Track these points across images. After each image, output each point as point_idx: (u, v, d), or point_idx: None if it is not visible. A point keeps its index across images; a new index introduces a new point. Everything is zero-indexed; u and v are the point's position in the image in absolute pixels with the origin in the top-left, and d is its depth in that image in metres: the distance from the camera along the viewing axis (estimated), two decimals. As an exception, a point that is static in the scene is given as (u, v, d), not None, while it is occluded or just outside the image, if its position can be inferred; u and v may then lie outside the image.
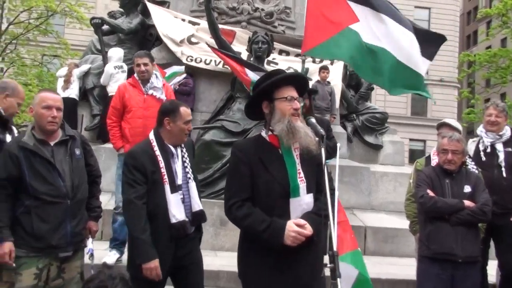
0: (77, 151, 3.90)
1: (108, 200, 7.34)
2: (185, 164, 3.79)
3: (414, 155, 30.99)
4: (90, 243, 4.13)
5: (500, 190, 5.10)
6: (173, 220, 3.61)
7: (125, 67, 8.75)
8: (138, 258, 3.55)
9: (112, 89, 8.59)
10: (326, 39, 5.40)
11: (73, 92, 9.20)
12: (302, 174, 3.04)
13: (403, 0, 35.95)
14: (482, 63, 25.12)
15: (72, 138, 3.90)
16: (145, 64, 5.96)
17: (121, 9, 10.18)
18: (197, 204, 3.76)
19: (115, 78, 8.68)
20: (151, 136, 3.81)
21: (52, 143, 3.75)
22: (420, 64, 5.51)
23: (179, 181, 3.72)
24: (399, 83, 5.56)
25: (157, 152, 3.71)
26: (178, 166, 3.76)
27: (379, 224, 8.19)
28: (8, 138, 4.23)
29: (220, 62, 8.96)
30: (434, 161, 5.22)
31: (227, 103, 8.65)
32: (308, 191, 3.05)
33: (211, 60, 9.03)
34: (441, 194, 4.55)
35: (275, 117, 3.07)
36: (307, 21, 5.48)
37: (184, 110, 3.81)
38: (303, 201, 3.04)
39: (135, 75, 6.11)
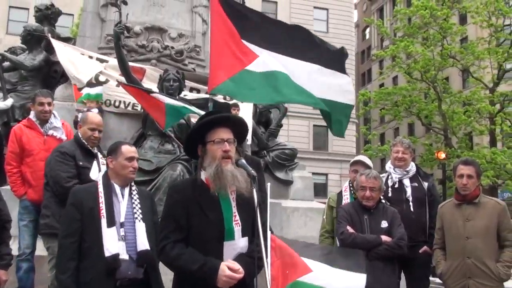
0: None
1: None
2: (134, 205, 3.74)
3: (316, 188, 31.91)
4: None
5: (409, 224, 5.32)
6: (107, 254, 3.51)
7: None
8: None
9: None
10: (230, 77, 5.41)
11: None
12: (237, 217, 3.04)
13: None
14: (378, 101, 26.61)
15: None
16: (49, 104, 5.82)
17: (23, 45, 9.78)
18: (142, 244, 3.65)
19: None
20: (100, 176, 3.90)
21: None
22: (339, 92, 5.60)
23: (122, 218, 3.66)
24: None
25: (100, 189, 3.70)
26: (122, 205, 3.72)
27: (292, 259, 8.25)
28: (94, 165, 4.92)
29: (129, 103, 8.78)
30: (345, 196, 5.45)
31: (138, 141, 8.44)
32: (244, 235, 3.04)
33: (120, 102, 8.83)
34: (360, 230, 4.73)
35: (206, 160, 3.10)
36: (211, 59, 5.49)
37: (126, 148, 3.88)
38: (238, 244, 3.04)
39: (32, 115, 5.86)
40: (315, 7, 42.17)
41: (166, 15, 9.72)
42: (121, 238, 3.60)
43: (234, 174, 3.02)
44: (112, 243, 3.55)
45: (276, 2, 41.50)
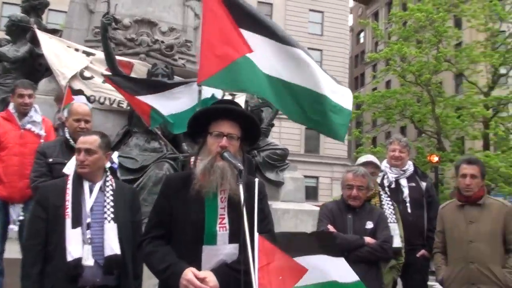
0: None
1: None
2: (105, 203, 3.38)
3: (307, 192, 31.61)
4: None
5: (406, 226, 5.04)
6: (69, 258, 3.17)
7: None
8: None
9: None
10: (221, 69, 5.12)
11: None
12: (225, 221, 2.72)
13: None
14: (371, 104, 26.39)
15: None
16: (30, 96, 5.50)
17: (8, 37, 9.45)
18: (110, 248, 3.28)
19: None
20: (74, 170, 3.51)
21: None
22: (340, 94, 5.26)
23: (88, 219, 3.30)
24: (315, 116, 5.27)
25: (69, 185, 3.36)
26: (89, 203, 3.36)
27: (282, 263, 7.97)
28: (73, 159, 4.19)
29: (115, 100, 8.47)
30: None
31: (124, 138, 8.12)
32: (232, 241, 2.70)
33: (105, 99, 8.52)
34: (342, 230, 4.40)
35: (202, 153, 2.82)
36: (202, 51, 5.24)
37: (79, 140, 3.56)
38: (221, 251, 2.70)
39: (11, 107, 5.55)
40: (310, 10, 41.99)
41: (157, 8, 9.42)
42: (87, 241, 3.27)
43: (225, 173, 2.72)
44: (76, 246, 3.22)
45: (271, 4, 41.25)
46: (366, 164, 5.18)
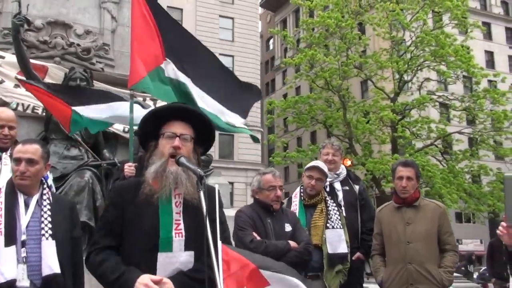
0: None
1: None
2: (42, 219, 3.09)
3: (223, 198, 31.45)
4: None
5: (341, 229, 5.10)
6: (1, 280, 2.89)
7: None
8: None
9: None
10: (148, 72, 5.13)
11: None
12: (181, 226, 2.56)
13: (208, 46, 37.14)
14: (285, 109, 26.81)
15: None
16: None
17: None
18: (48, 267, 3.01)
19: None
20: (6, 182, 3.21)
21: None
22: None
23: (24, 236, 3.02)
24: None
25: (1, 199, 3.07)
26: (24, 218, 3.07)
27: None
28: None
29: (28, 106, 7.96)
30: (294, 203, 5.01)
31: (40, 146, 7.65)
32: (188, 248, 2.56)
33: (18, 104, 7.98)
34: (264, 235, 4.35)
35: (154, 156, 2.63)
36: (131, 54, 5.19)
37: (18, 149, 3.26)
38: (177, 258, 2.55)
39: None
40: (220, 16, 42.08)
41: (71, 10, 8.98)
42: (22, 260, 3.01)
43: (179, 178, 2.59)
44: (9, 266, 2.95)
45: (181, 10, 40.92)
46: (312, 169, 4.99)
